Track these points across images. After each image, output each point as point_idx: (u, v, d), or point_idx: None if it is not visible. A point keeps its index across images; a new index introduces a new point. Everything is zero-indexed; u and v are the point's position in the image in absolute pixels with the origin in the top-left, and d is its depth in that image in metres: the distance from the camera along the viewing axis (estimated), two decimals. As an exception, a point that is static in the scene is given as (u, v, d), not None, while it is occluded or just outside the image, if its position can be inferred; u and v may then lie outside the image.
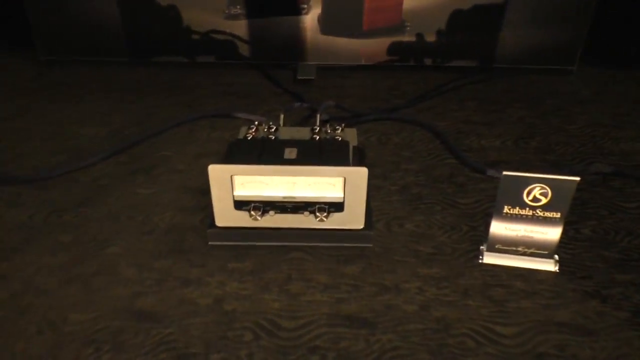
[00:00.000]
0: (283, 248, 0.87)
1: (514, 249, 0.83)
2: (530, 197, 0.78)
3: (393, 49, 1.48)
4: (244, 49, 1.51)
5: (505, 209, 0.80)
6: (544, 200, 0.78)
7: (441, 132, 1.19)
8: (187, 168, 1.09)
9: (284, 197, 0.82)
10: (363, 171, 0.79)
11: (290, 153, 0.84)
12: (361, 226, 0.85)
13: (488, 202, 0.98)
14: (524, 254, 0.84)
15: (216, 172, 0.79)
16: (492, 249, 0.84)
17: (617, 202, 0.97)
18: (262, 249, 0.87)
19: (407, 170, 1.08)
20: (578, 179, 0.75)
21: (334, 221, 0.84)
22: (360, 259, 0.85)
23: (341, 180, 0.81)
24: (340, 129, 0.94)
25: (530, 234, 0.81)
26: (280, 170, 0.79)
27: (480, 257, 0.85)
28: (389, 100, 1.36)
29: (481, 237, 0.90)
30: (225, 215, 0.84)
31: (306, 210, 0.83)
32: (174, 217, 0.94)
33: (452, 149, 1.12)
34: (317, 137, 0.92)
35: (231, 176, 0.80)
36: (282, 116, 1.06)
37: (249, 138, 0.92)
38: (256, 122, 1.01)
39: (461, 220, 0.94)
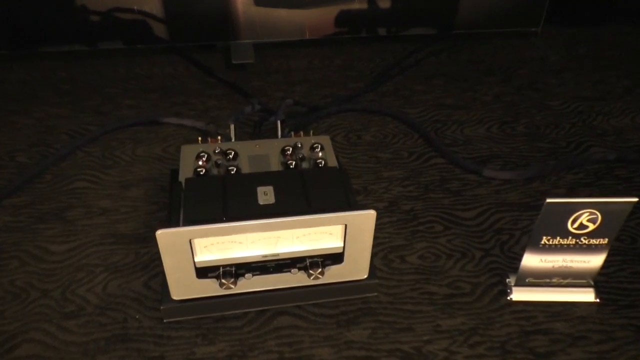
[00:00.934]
0: (265, 313, 0.68)
1: (548, 280, 0.70)
2: (576, 225, 0.63)
3: (341, 19, 1.27)
4: (160, 30, 1.23)
5: (544, 240, 0.65)
6: (591, 227, 0.64)
7: (418, 126, 1.02)
8: (113, 205, 0.84)
9: (264, 256, 0.62)
10: (371, 215, 0.60)
11: (265, 195, 0.63)
12: (365, 275, 0.67)
13: (492, 212, 0.84)
14: (558, 285, 0.70)
15: (168, 238, 0.57)
16: (522, 282, 0.70)
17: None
18: (236, 318, 0.67)
19: (390, 179, 0.90)
20: (635, 200, 0.61)
21: (331, 275, 0.65)
22: (365, 317, 0.68)
23: (341, 227, 0.61)
24: (319, 147, 0.74)
25: (570, 264, 0.68)
26: (259, 227, 0.58)
27: (509, 293, 0.70)
28: (345, 84, 1.16)
29: (500, 264, 0.75)
30: (184, 287, 0.62)
31: (294, 267, 0.64)
32: (107, 285, 0.71)
33: (439, 148, 0.96)
34: (293, 163, 0.71)
35: (190, 240, 0.58)
36: (232, 127, 0.83)
37: (201, 172, 0.69)
38: (201, 150, 0.79)
39: (470, 242, 0.79)
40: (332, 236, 0.62)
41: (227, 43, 1.25)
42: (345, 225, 0.60)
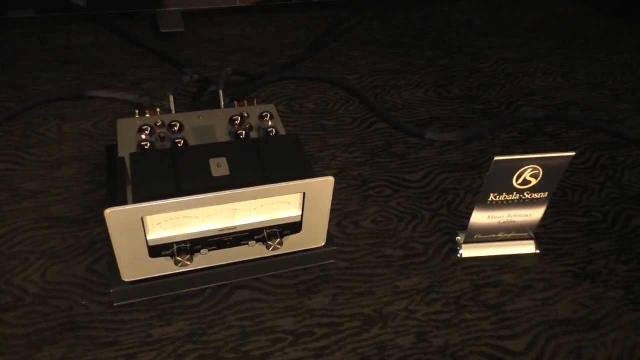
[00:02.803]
0: (222, 289, 0.65)
1: (494, 236, 0.72)
2: (520, 181, 0.66)
3: (272, -15, 1.22)
4: (76, -4, 1.12)
5: (491, 197, 0.67)
6: (533, 182, 0.66)
7: (359, 92, 1.01)
8: (42, 186, 0.77)
9: (221, 230, 0.59)
10: (329, 182, 0.58)
11: (219, 167, 0.59)
12: (323, 243, 0.66)
13: (437, 173, 0.85)
14: (503, 239, 0.73)
15: (119, 217, 0.53)
16: (470, 239, 0.72)
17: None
18: (192, 296, 0.64)
19: (337, 146, 0.89)
20: (573, 153, 0.64)
21: (289, 245, 0.63)
22: (325, 284, 0.67)
23: (299, 196, 0.59)
24: (268, 115, 0.71)
25: (514, 219, 0.70)
26: (215, 200, 0.55)
27: (459, 251, 0.72)
28: (281, 52, 1.13)
29: (448, 223, 0.77)
30: (136, 267, 0.58)
31: (251, 239, 0.61)
32: (46, 272, 0.65)
33: (381, 113, 0.96)
34: (243, 133, 0.67)
35: (142, 218, 0.54)
36: (171, 99, 0.78)
37: (146, 147, 0.64)
38: (137, 114, 0.73)
39: (419, 204, 0.80)
40: (290, 205, 0.60)
41: (152, 10, 1.17)
42: (304, 194, 0.59)
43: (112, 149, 0.73)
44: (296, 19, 1.25)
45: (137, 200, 0.54)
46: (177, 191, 0.56)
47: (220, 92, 0.80)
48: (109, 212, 0.52)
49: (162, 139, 0.67)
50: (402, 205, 0.79)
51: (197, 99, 0.89)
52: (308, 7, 1.29)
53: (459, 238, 0.73)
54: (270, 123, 0.70)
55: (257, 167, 0.60)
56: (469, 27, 1.29)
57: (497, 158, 0.63)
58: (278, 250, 0.63)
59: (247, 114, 0.73)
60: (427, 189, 0.82)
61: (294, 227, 0.62)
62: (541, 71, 1.14)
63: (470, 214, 0.69)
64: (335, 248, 0.67)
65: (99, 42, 1.10)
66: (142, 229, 0.55)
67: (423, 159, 0.88)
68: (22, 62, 1.02)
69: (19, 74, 0.99)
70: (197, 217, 0.57)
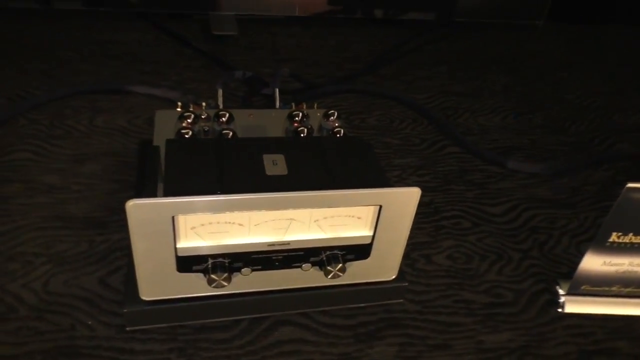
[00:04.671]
0: (261, 323, 0.52)
1: (607, 289, 0.57)
2: (656, 218, 0.51)
3: (335, -4, 1.14)
4: (127, -8, 1.05)
5: (613, 237, 0.53)
6: (673, 222, 0.52)
7: (428, 111, 0.89)
8: (62, 181, 0.66)
9: (270, 245, 0.46)
10: (414, 194, 0.46)
11: (274, 165, 0.47)
12: (394, 276, 0.52)
13: (524, 209, 0.71)
14: (618, 294, 0.58)
15: (143, 212, 0.41)
16: (576, 290, 0.57)
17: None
18: (223, 328, 0.51)
19: (403, 167, 0.76)
20: None
21: (352, 274, 0.50)
22: (390, 330, 0.53)
23: (373, 210, 0.47)
24: (335, 114, 0.59)
25: (636, 269, 0.55)
26: (268, 202, 0.43)
27: (559, 304, 0.57)
28: (340, 65, 1.03)
29: (542, 268, 0.62)
30: (159, 283, 0.46)
31: (306, 261, 0.48)
32: (50, 280, 0.53)
33: (455, 136, 0.83)
34: (304, 131, 0.56)
35: (173, 217, 0.42)
36: (220, 93, 0.67)
37: (187, 135, 0.53)
38: (179, 104, 0.63)
39: (504, 242, 0.65)
40: (360, 222, 0.47)
41: (205, 14, 1.09)
42: (380, 207, 0.46)
43: (147, 144, 0.62)
44: (358, 34, 1.16)
45: (169, 193, 0.43)
46: (219, 187, 0.44)
47: (276, 90, 0.69)
48: (131, 205, 0.40)
49: (207, 132, 0.56)
50: (484, 242, 0.65)
51: (248, 101, 0.78)
52: (371, 23, 1.19)
53: (559, 288, 0.58)
54: (337, 123, 0.58)
55: (321, 168, 0.47)
56: (548, 57, 1.17)
57: (630, 185, 0.49)
58: (338, 279, 0.49)
59: (308, 114, 0.61)
60: (513, 225, 0.68)
61: (361, 250, 0.49)
62: (635, 107, 1.00)
63: (569, 260, 0.55)
64: (406, 284, 0.54)
65: (145, 40, 1.02)
66: (172, 233, 0.43)
67: (505, 190, 0.74)
68: (61, 52, 0.94)
69: (55, 64, 0.91)
70: (241, 225, 0.45)
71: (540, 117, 0.93)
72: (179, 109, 0.63)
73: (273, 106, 0.70)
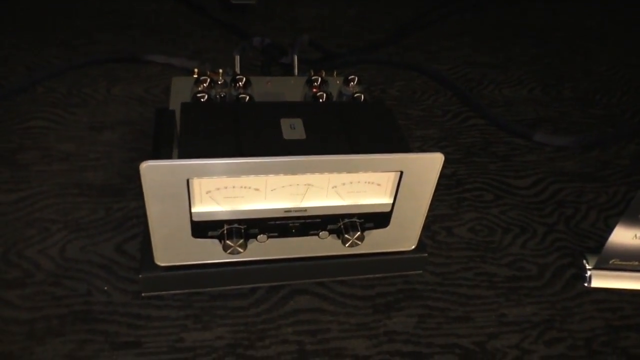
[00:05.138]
0: (278, 291, 0.51)
1: (636, 263, 0.55)
2: (693, 189, 0.49)
3: (357, -36, 1.10)
4: (145, -40, 1.04)
5: (646, 209, 0.50)
6: None
7: (451, 82, 0.86)
8: (79, 149, 0.66)
9: (287, 211, 0.45)
10: (437, 159, 0.44)
11: (292, 129, 0.46)
12: (413, 246, 0.51)
13: (550, 182, 0.69)
14: (647, 269, 0.56)
15: (158, 175, 0.40)
16: (604, 265, 0.55)
17: None
18: (240, 296, 0.50)
19: (425, 138, 0.74)
20: None
21: (371, 243, 0.49)
22: (409, 301, 0.52)
23: (393, 176, 0.45)
24: (355, 79, 0.57)
25: (669, 242, 0.53)
26: (286, 166, 0.41)
27: (586, 278, 0.55)
28: (361, 36, 1.00)
29: (568, 242, 0.60)
30: (174, 248, 0.45)
31: (324, 229, 0.47)
32: (66, 246, 0.53)
33: (479, 107, 0.80)
34: (324, 96, 0.54)
35: (188, 181, 0.41)
36: (237, 59, 0.66)
37: (202, 98, 0.52)
38: (196, 70, 0.62)
39: (529, 215, 0.63)
40: (380, 188, 0.46)
41: (224, -18, 1.07)
42: (401, 173, 0.44)
43: (163, 111, 0.61)
44: (380, 3, 1.13)
45: (184, 155, 0.42)
46: (236, 150, 0.43)
47: (295, 58, 0.68)
48: (145, 167, 0.39)
49: (223, 97, 0.55)
50: (507, 215, 0.63)
51: (266, 69, 0.77)
52: (393, -7, 1.16)
53: (585, 263, 0.56)
54: (357, 89, 0.56)
55: (340, 133, 0.46)
56: (577, 28, 1.12)
57: (666, 153, 0.46)
58: (356, 248, 0.48)
59: (327, 81, 0.60)
60: (539, 199, 0.66)
61: (380, 218, 0.47)
62: (670, 80, 0.96)
63: (596, 235, 0.53)
64: (426, 255, 0.52)
65: (163, 9, 1.01)
66: (187, 197, 0.42)
67: (531, 163, 0.72)
68: (78, 22, 0.94)
69: (73, 34, 0.90)
70: (258, 190, 0.43)
71: (569, 89, 0.90)
72: (195, 76, 0.62)
73: (292, 74, 0.68)
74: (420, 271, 0.54)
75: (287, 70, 0.78)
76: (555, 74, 0.94)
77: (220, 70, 0.64)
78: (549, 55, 1.00)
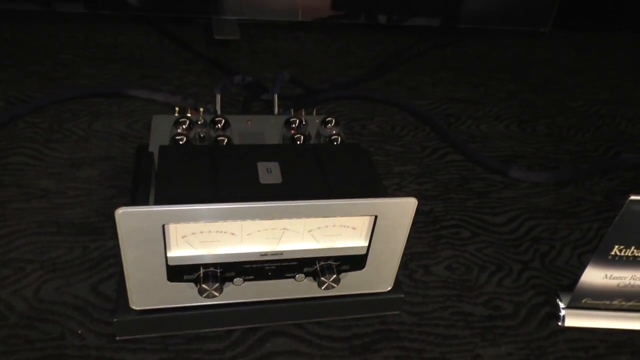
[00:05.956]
0: (254, 333, 0.51)
1: (608, 303, 0.56)
2: (660, 232, 0.50)
3: (339, 2, 1.13)
4: (130, -5, 1.05)
5: (615, 250, 0.51)
6: (676, 236, 0.50)
7: (430, 118, 0.88)
8: (58, 186, 0.66)
9: (263, 255, 0.46)
10: (410, 204, 0.45)
11: (269, 172, 0.46)
12: (390, 287, 0.51)
13: (525, 218, 0.70)
14: (619, 309, 0.56)
15: (133, 220, 0.40)
16: (576, 304, 0.56)
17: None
18: (216, 338, 0.50)
19: (403, 174, 0.75)
20: None
21: (347, 284, 0.49)
22: (386, 342, 0.52)
23: (368, 220, 0.46)
24: (333, 121, 0.58)
25: (638, 282, 0.54)
26: (262, 211, 0.42)
27: (560, 317, 0.56)
28: (342, 70, 1.02)
29: (543, 280, 0.61)
30: (149, 292, 0.45)
31: (300, 272, 0.47)
32: (41, 287, 0.53)
33: (456, 143, 0.82)
34: (301, 138, 0.55)
35: (163, 226, 0.41)
36: (218, 98, 0.67)
37: (181, 141, 0.52)
38: (177, 111, 0.62)
39: (504, 252, 0.64)
40: (355, 232, 0.47)
41: (208, 17, 1.09)
42: (375, 217, 0.45)
43: (143, 148, 0.61)
44: (361, 39, 1.15)
45: (160, 201, 0.42)
46: (212, 196, 0.43)
47: (275, 96, 0.69)
48: (121, 213, 0.39)
49: (202, 138, 0.55)
50: (483, 252, 0.64)
51: (247, 106, 0.77)
52: (375, 28, 1.19)
53: (559, 302, 0.57)
54: (335, 131, 0.57)
55: (316, 177, 0.47)
56: (554, 63, 1.15)
57: (632, 197, 0.48)
58: (332, 290, 0.48)
59: (306, 121, 0.61)
60: (514, 236, 0.67)
61: (356, 261, 0.48)
62: (642, 116, 0.99)
63: (570, 272, 0.55)
64: (402, 296, 0.53)
65: (147, 43, 1.02)
66: (162, 242, 0.42)
67: (507, 199, 0.73)
68: (62, 55, 0.94)
69: (56, 67, 0.90)
70: (233, 234, 0.44)
71: (544, 125, 0.92)
72: (176, 114, 0.62)
73: (272, 112, 0.69)
74: (397, 312, 0.54)
75: (269, 106, 0.79)
76: (531, 110, 0.96)
77: (201, 109, 0.65)
78: (525, 90, 1.03)
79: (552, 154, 0.84)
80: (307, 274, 0.48)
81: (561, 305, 0.57)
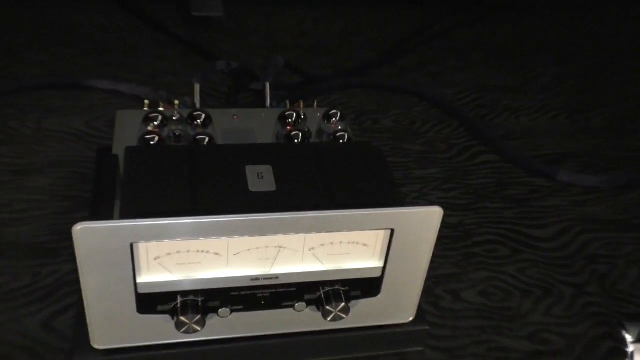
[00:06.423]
0: (244, 377, 0.51)
1: (684, 333, 0.56)
2: None
3: (344, -32, 1.14)
4: (89, -35, 1.07)
5: (690, 268, 0.51)
6: None
7: (458, 110, 0.88)
8: (1, 199, 0.66)
9: (254, 279, 0.46)
10: (434, 214, 0.45)
11: (260, 178, 0.47)
12: (411, 317, 0.51)
13: (578, 232, 0.70)
14: (698, 340, 0.56)
15: (94, 239, 0.40)
16: (645, 336, 0.56)
17: None
18: (199, 384, 0.50)
19: (426, 179, 0.76)
20: None
21: (358, 315, 0.50)
22: (408, 386, 0.52)
23: (383, 235, 0.46)
24: (338, 115, 0.59)
25: None
26: (250, 225, 0.42)
27: (627, 354, 0.56)
28: (350, 54, 1.03)
29: (602, 307, 0.61)
30: (113, 328, 0.45)
31: (300, 299, 0.48)
32: (-15, 322, 0.53)
33: (491, 141, 0.82)
34: (299, 136, 0.55)
35: (132, 245, 0.41)
36: (197, 89, 0.67)
37: (151, 141, 0.52)
38: (146, 105, 0.63)
39: (553, 273, 0.64)
40: (367, 249, 0.47)
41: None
42: (392, 232, 0.45)
43: (105, 151, 0.62)
44: (372, 15, 1.16)
45: (126, 215, 0.42)
46: (190, 208, 0.43)
47: (267, 86, 0.69)
48: (79, 229, 0.39)
49: (178, 137, 0.56)
50: (526, 274, 0.64)
51: (233, 97, 0.78)
52: (388, 2, 1.20)
53: (625, 333, 0.57)
54: (340, 127, 0.58)
55: (318, 182, 0.47)
56: (611, 39, 1.16)
57: None
58: (340, 323, 0.49)
59: (305, 115, 0.61)
60: (565, 253, 0.67)
61: (369, 285, 0.48)
62: None
63: (638, 298, 0.54)
64: (427, 328, 0.53)
65: (110, 23, 1.04)
66: (131, 265, 0.42)
67: (554, 208, 0.74)
68: (7, 38, 0.96)
69: (2, 54, 0.92)
70: (218, 254, 0.44)
71: (599, 117, 0.93)
72: (145, 108, 0.63)
73: (263, 105, 0.70)
74: (421, 347, 0.54)
75: (260, 99, 0.80)
76: (583, 98, 0.97)
77: (177, 102, 0.66)
78: (575, 74, 1.04)
79: (611, 152, 0.85)
80: (308, 303, 0.48)
81: (628, 338, 0.57)
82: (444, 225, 0.69)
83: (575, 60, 1.08)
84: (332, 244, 0.45)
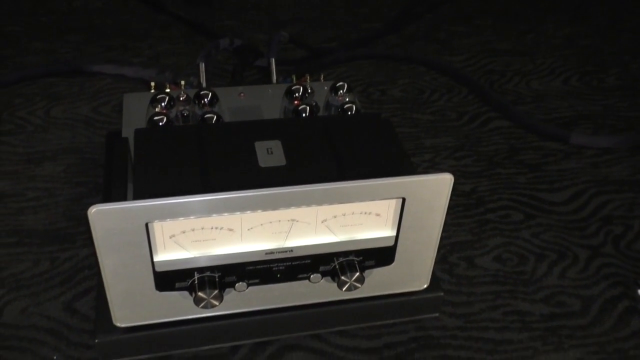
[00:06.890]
0: (265, 348, 0.53)
1: (700, 289, 0.57)
2: None
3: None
4: (85, -52, 1.08)
5: None
6: None
7: (467, 77, 0.89)
8: (14, 187, 0.69)
9: (269, 253, 0.48)
10: (445, 181, 0.47)
11: (269, 153, 0.49)
12: (425, 284, 0.53)
13: (592, 193, 0.71)
14: None
15: (110, 221, 0.42)
16: (660, 294, 0.58)
17: None
18: (219, 357, 0.52)
19: (437, 148, 0.77)
20: None
21: (373, 284, 0.52)
22: (425, 350, 0.54)
23: (394, 204, 0.48)
24: (345, 87, 0.60)
25: None
26: (263, 200, 0.44)
27: (642, 311, 0.58)
28: (355, 25, 1.04)
29: (618, 268, 0.62)
30: (134, 306, 0.48)
31: (315, 271, 0.50)
32: (4, 309, 0.56)
33: (502, 106, 0.83)
34: (307, 109, 0.57)
35: (147, 225, 0.44)
36: (202, 68, 0.69)
37: (160, 122, 0.54)
38: (153, 87, 0.65)
39: (567, 236, 0.66)
40: (380, 219, 0.49)
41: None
42: (403, 200, 0.47)
43: (114, 135, 0.64)
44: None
45: (140, 195, 0.44)
46: (202, 185, 0.45)
47: (272, 61, 0.71)
48: (94, 212, 0.42)
49: (186, 117, 0.58)
50: (541, 238, 0.66)
51: (238, 75, 0.80)
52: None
53: None
54: (348, 99, 0.59)
55: (328, 155, 0.49)
56: (622, -2, 1.16)
57: None
58: (355, 292, 0.51)
59: (312, 89, 0.63)
60: (579, 215, 0.69)
61: (382, 254, 0.50)
62: None
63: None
64: (442, 294, 0.55)
65: (108, 6, 1.05)
66: (147, 244, 0.44)
67: (569, 171, 0.75)
68: (8, 27, 0.98)
69: (1, 42, 0.94)
70: (232, 230, 0.46)
71: (613, 77, 0.93)
72: (152, 91, 0.65)
73: (269, 81, 0.72)
74: (437, 314, 0.56)
75: (265, 75, 0.81)
76: (596, 58, 0.97)
77: (182, 82, 0.67)
78: (587, 34, 1.04)
79: (625, 112, 0.86)
80: (323, 274, 0.50)
81: (641, 295, 0.58)
82: (458, 193, 0.70)
83: (587, 19, 1.08)
84: (344, 215, 0.47)
